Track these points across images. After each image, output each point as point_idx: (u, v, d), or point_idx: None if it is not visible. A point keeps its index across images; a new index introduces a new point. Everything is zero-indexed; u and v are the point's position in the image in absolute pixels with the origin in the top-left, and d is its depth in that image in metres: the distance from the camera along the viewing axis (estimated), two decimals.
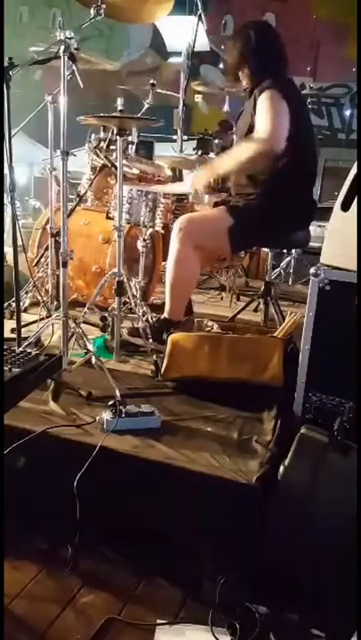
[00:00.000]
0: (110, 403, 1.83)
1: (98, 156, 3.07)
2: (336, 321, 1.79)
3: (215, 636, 1.40)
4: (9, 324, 2.49)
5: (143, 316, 2.56)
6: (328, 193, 5.51)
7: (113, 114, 2.43)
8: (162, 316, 2.56)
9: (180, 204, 3.34)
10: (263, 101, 2.38)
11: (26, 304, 3.00)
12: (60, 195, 2.63)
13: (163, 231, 2.83)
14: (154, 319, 2.62)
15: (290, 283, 4.33)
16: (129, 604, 1.50)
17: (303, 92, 4.83)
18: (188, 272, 2.47)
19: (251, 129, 2.45)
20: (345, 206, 1.80)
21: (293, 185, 2.46)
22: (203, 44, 4.04)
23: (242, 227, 2.43)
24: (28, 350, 2.20)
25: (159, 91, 3.72)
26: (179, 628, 1.44)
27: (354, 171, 1.79)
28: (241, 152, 2.40)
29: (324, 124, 6.57)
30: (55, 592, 1.53)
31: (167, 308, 2.52)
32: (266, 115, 2.34)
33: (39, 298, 2.89)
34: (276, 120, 2.32)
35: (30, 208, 5.03)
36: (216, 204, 2.63)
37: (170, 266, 2.47)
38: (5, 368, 2.02)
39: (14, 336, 2.31)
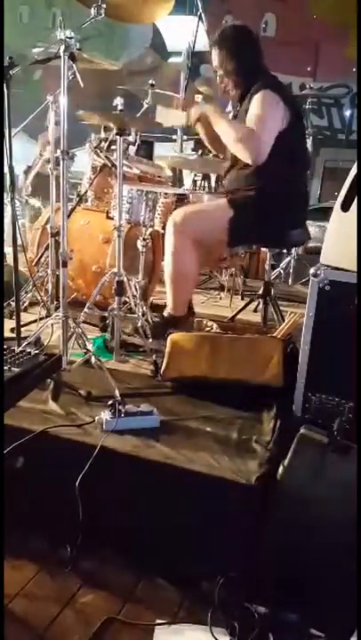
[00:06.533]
0: (110, 402, 1.83)
1: (98, 155, 3.07)
2: (336, 321, 1.79)
3: (214, 636, 1.40)
4: (9, 324, 2.49)
5: (143, 315, 2.56)
6: (328, 193, 5.52)
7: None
8: (164, 313, 2.56)
9: (181, 203, 3.34)
10: (257, 100, 2.39)
11: (26, 304, 2.99)
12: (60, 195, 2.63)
13: (163, 231, 2.83)
14: (154, 319, 2.62)
15: (290, 283, 4.33)
16: (128, 604, 1.50)
17: (303, 92, 4.84)
18: (186, 264, 2.47)
19: None
20: (345, 206, 1.80)
21: (289, 178, 2.45)
22: (203, 44, 4.04)
23: (242, 219, 2.43)
24: (28, 350, 2.20)
25: (159, 91, 3.72)
26: (178, 628, 1.44)
27: (354, 171, 1.79)
28: (235, 130, 2.40)
29: (324, 124, 6.57)
30: (55, 592, 1.53)
31: (169, 304, 2.52)
32: (256, 114, 2.35)
33: (39, 298, 2.89)
34: (264, 121, 2.34)
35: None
36: None
37: (167, 260, 2.47)
38: (5, 368, 2.02)
39: (14, 336, 2.31)
